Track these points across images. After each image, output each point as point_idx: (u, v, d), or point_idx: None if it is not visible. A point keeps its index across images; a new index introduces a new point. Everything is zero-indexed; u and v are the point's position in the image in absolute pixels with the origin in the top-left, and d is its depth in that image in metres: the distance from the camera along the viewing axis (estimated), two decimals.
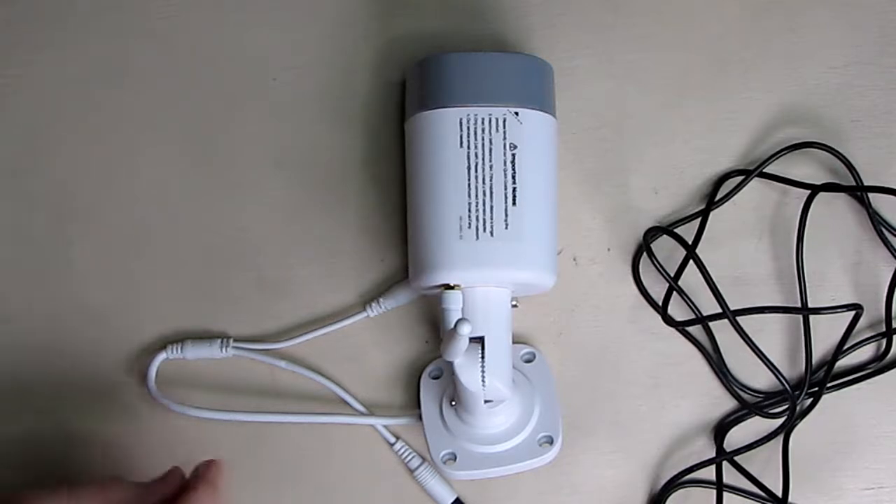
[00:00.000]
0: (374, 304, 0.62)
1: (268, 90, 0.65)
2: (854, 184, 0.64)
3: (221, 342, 0.62)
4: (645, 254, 0.63)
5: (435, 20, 0.66)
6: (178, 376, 0.62)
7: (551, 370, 0.62)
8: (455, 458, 0.60)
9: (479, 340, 0.56)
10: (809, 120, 0.65)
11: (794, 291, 0.64)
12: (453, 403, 0.60)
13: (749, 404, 0.62)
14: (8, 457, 0.61)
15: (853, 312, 0.61)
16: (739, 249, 0.64)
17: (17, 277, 0.63)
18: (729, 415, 0.63)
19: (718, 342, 0.63)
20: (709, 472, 0.62)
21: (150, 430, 0.61)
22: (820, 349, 0.63)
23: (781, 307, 0.64)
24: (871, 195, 0.64)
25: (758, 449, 0.62)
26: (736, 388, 0.63)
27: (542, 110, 0.59)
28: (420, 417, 0.61)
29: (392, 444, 0.62)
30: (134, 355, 0.62)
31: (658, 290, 0.63)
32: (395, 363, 0.61)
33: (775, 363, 0.59)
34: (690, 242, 0.62)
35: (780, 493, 0.61)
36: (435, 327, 0.63)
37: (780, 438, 0.61)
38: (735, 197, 0.64)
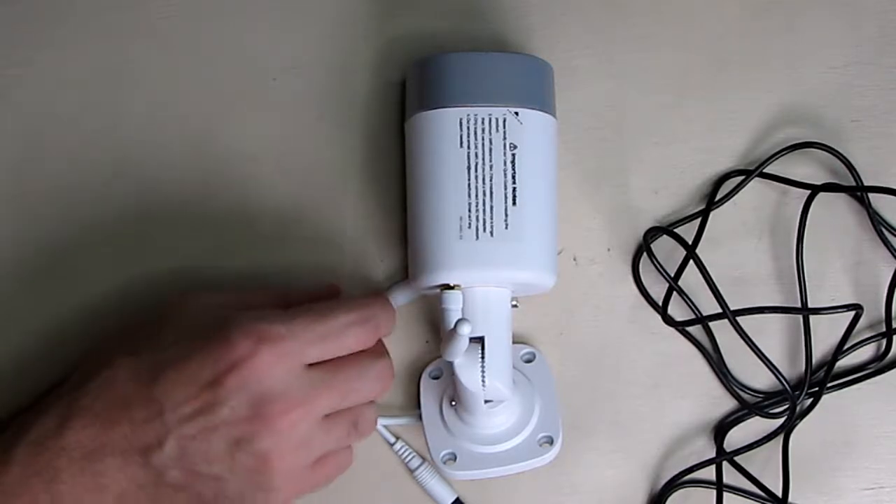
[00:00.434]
0: None
1: (268, 90, 0.65)
2: (854, 184, 0.64)
3: None
4: (645, 254, 0.63)
5: (435, 20, 0.66)
6: None
7: (551, 370, 0.62)
8: (455, 458, 0.60)
9: (479, 340, 0.56)
10: (809, 120, 0.65)
11: (794, 291, 0.64)
12: (453, 403, 0.60)
13: (749, 404, 0.62)
14: None
15: (853, 312, 0.61)
16: (739, 249, 0.64)
17: (17, 278, 0.63)
18: (729, 415, 0.63)
19: (718, 342, 0.63)
20: (709, 473, 0.62)
21: None
22: (820, 349, 0.63)
23: (781, 307, 0.64)
24: (871, 195, 0.64)
25: (758, 449, 0.62)
26: (736, 389, 0.63)
27: (542, 110, 0.59)
28: (420, 417, 0.61)
29: (392, 444, 0.62)
30: None
31: (658, 290, 0.63)
32: (396, 363, 0.61)
33: (775, 363, 0.59)
34: (690, 242, 0.62)
35: (780, 493, 0.61)
36: (435, 327, 0.63)
37: (780, 438, 0.61)
38: (735, 197, 0.64)
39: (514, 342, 0.59)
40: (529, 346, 0.62)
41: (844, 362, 0.63)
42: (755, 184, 0.64)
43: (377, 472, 0.62)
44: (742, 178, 0.64)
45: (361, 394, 0.57)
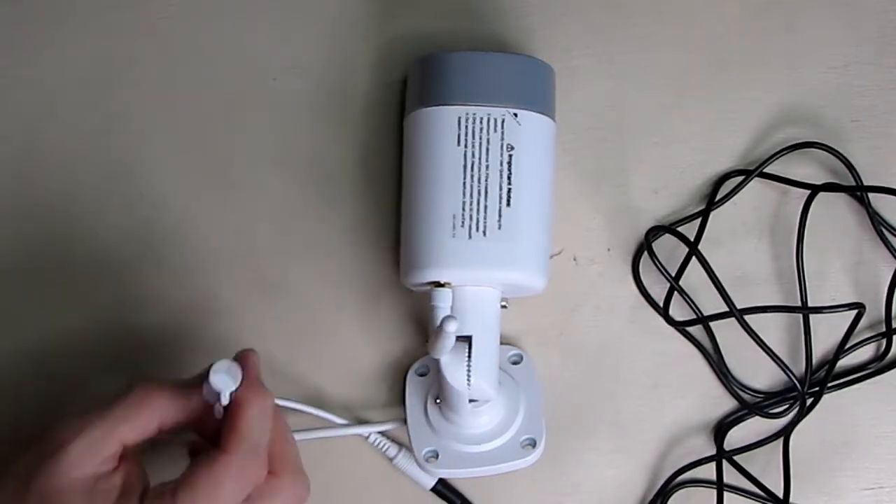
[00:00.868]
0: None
1: (268, 90, 0.65)
2: (854, 184, 0.64)
3: None
4: (645, 254, 0.63)
5: (435, 20, 0.66)
6: None
7: (543, 371, 0.61)
8: (437, 456, 0.59)
9: (467, 340, 0.56)
10: (809, 120, 0.65)
11: (794, 291, 0.64)
12: (438, 401, 0.60)
13: (749, 404, 0.62)
14: None
15: (854, 312, 0.61)
16: (739, 249, 0.64)
17: (17, 278, 0.63)
18: (729, 415, 0.63)
19: (719, 342, 0.63)
20: (709, 473, 0.62)
21: None
22: (820, 349, 0.63)
23: (783, 306, 0.64)
24: (871, 195, 0.64)
25: (758, 449, 0.62)
26: (736, 388, 0.63)
27: (541, 113, 0.59)
28: (404, 420, 0.61)
29: (367, 438, 0.61)
30: None
31: (658, 290, 0.63)
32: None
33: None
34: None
35: (780, 494, 0.61)
36: (424, 326, 0.62)
37: (780, 438, 0.61)
38: (735, 197, 0.64)
39: (507, 342, 0.59)
40: (517, 348, 0.62)
41: (844, 362, 0.63)
42: (755, 184, 0.64)
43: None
44: (742, 178, 0.64)
45: None
